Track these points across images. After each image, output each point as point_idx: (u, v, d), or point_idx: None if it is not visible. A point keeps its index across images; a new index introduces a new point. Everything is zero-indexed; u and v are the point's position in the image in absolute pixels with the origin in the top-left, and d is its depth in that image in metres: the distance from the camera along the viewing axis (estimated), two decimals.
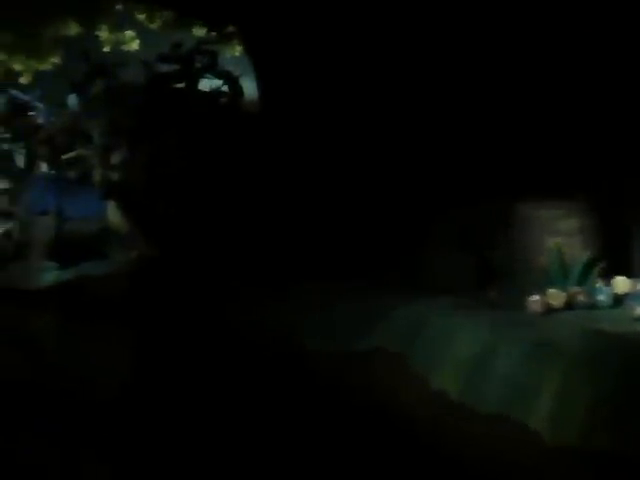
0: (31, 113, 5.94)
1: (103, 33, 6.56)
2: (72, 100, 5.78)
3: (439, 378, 3.22)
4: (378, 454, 2.88)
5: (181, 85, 5.70)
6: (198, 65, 5.68)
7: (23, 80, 6.47)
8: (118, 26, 6.47)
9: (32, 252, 5.51)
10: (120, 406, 3.81)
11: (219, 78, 5.82)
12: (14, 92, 6.07)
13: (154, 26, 6.33)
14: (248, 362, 3.74)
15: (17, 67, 6.50)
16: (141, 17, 6.39)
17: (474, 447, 2.85)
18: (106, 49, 6.57)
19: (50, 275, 5.37)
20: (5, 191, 5.82)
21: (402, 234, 4.30)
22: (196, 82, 5.70)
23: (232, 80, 5.81)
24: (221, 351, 3.98)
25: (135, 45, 6.56)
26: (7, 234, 5.79)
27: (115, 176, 5.29)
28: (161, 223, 5.16)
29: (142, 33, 6.56)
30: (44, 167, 5.81)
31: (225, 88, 5.81)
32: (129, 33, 6.53)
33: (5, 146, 5.77)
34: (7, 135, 5.87)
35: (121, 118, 5.39)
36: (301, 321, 3.98)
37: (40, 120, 5.91)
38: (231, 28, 5.90)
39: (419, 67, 4.92)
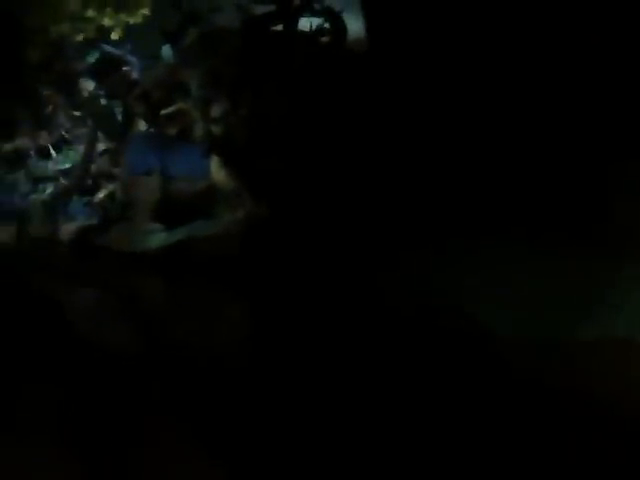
0: (125, 68, 5.70)
1: None
2: (166, 52, 5.47)
3: None
4: None
5: (279, 27, 5.28)
6: (296, 3, 5.22)
7: (114, 36, 6.21)
8: None
9: (136, 214, 5.32)
10: (242, 380, 3.56)
11: (319, 16, 5.34)
12: (106, 47, 5.84)
13: None
14: (403, 343, 3.22)
15: (107, 22, 6.25)
16: None
17: None
18: None
19: (156, 237, 5.17)
20: (106, 151, 5.66)
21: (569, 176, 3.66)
22: (295, 22, 5.25)
23: (334, 17, 5.32)
24: (361, 324, 3.56)
25: None
26: (110, 196, 5.63)
27: (217, 130, 4.97)
28: (268, 179, 4.82)
29: None
30: (142, 125, 5.59)
31: (326, 26, 5.35)
32: None
33: (104, 102, 5.59)
34: (102, 92, 5.68)
35: (219, 67, 5.03)
36: (482, 296, 3.22)
37: (135, 75, 5.67)
38: None
39: None
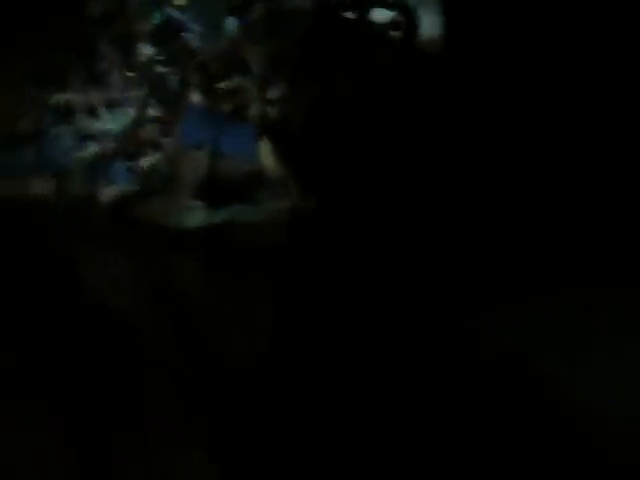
0: (186, 35, 5.52)
1: None
2: (230, 24, 5.27)
3: None
4: None
5: (352, 15, 5.06)
6: None
7: (179, 1, 6.01)
8: None
9: (179, 188, 5.18)
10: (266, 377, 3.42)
11: (392, 9, 5.11)
12: (170, 10, 5.65)
13: None
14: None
15: None
16: None
17: None
18: None
19: (196, 215, 5.03)
20: (155, 119, 5.50)
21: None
22: (368, 12, 5.03)
23: (408, 11, 5.09)
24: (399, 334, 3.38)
25: None
26: (155, 165, 5.48)
27: (273, 113, 4.78)
28: (319, 172, 4.64)
29: None
30: (197, 96, 5.41)
31: (399, 20, 5.12)
32: None
33: (159, 69, 5.44)
34: (161, 57, 5.53)
35: (284, 48, 4.84)
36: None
37: (195, 44, 5.50)
38: None
39: None
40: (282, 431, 3.00)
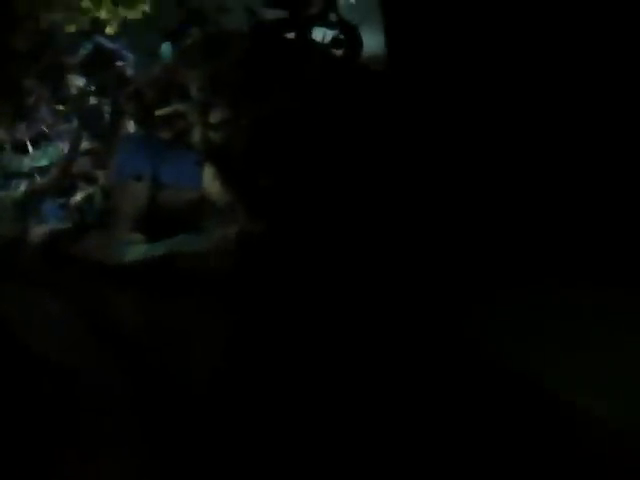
0: (119, 63, 5.26)
1: None
2: (165, 49, 5.05)
3: None
4: None
5: (290, 34, 4.91)
6: (310, 11, 4.85)
7: (110, 30, 5.78)
8: None
9: (117, 222, 4.83)
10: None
11: (334, 27, 4.98)
12: (101, 39, 5.39)
13: None
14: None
15: (103, 15, 5.81)
16: None
17: None
18: None
19: (137, 249, 4.68)
20: (88, 152, 5.18)
21: None
22: (309, 31, 4.89)
23: (349, 29, 4.97)
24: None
25: None
26: (89, 199, 5.13)
27: (215, 137, 4.53)
28: (267, 195, 4.39)
29: None
30: (132, 125, 5.13)
31: (341, 38, 4.99)
32: None
33: (91, 100, 5.12)
34: (92, 87, 5.22)
35: (223, 70, 4.63)
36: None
37: (129, 72, 5.23)
38: None
39: None
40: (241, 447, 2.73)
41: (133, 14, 5.74)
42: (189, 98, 4.68)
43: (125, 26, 5.63)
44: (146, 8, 5.69)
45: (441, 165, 4.57)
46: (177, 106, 4.67)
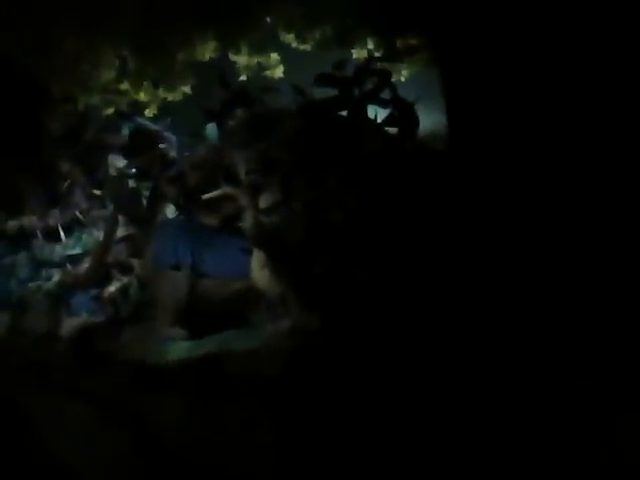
0: (162, 145, 4.98)
1: (241, 58, 5.58)
2: (211, 130, 4.77)
3: None
4: None
5: (343, 113, 4.63)
6: (368, 88, 4.58)
7: (149, 112, 5.54)
8: (261, 49, 5.50)
9: (155, 316, 4.42)
10: None
11: (387, 105, 4.70)
12: (141, 121, 5.15)
13: (306, 47, 5.32)
14: None
15: (142, 98, 5.60)
16: (288, 37, 5.41)
17: None
18: (243, 77, 5.58)
19: (178, 346, 4.24)
20: (125, 238, 4.83)
21: None
22: (363, 109, 4.60)
23: (404, 107, 4.68)
24: None
25: (279, 71, 5.53)
26: (124, 290, 4.73)
27: (265, 223, 4.16)
28: (323, 285, 3.97)
29: (286, 56, 5.55)
30: (171, 211, 4.80)
31: (396, 116, 4.69)
32: (274, 56, 5.53)
33: (130, 183, 4.82)
34: (132, 170, 4.94)
35: (272, 151, 4.32)
36: None
37: (172, 154, 4.95)
38: (412, 40, 4.80)
39: None
40: None
41: (173, 95, 5.54)
42: (237, 181, 4.34)
43: (165, 107, 5.41)
44: (187, 89, 5.48)
45: (508, 249, 4.22)
46: (225, 189, 4.34)
